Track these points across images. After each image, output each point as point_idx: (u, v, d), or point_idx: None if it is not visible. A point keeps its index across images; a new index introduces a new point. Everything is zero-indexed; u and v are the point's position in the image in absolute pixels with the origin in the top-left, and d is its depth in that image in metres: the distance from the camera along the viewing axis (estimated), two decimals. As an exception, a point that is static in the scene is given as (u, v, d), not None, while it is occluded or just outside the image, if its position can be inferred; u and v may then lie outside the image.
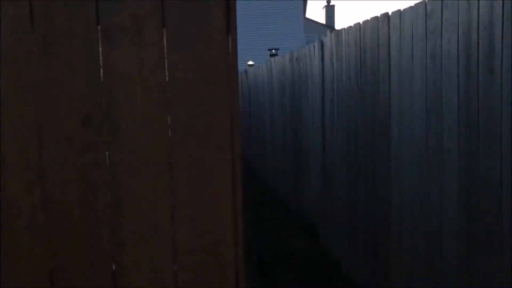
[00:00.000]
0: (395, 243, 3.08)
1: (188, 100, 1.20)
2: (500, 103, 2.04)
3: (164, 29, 1.18)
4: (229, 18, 1.20)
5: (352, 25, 3.62)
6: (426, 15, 2.57)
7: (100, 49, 1.16)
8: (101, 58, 1.17)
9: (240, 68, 10.71)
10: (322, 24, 27.00)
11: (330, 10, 28.66)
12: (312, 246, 4.84)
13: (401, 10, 2.85)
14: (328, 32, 4.22)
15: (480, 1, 2.12)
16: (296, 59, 5.27)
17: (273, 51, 9.14)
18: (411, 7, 2.73)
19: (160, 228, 1.20)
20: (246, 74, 9.14)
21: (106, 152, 1.18)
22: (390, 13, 3.00)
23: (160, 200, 1.21)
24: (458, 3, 2.28)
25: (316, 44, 4.50)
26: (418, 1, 2.66)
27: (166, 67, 1.19)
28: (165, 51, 1.19)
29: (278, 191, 6.82)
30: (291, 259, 4.55)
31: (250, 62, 10.19)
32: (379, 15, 3.15)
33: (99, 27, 1.17)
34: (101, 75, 1.18)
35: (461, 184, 2.34)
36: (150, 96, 1.19)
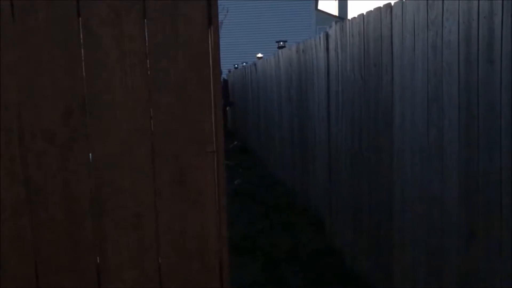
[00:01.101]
0: (398, 234, 3.05)
1: (169, 95, 1.20)
2: (499, 93, 2.00)
3: (145, 21, 1.18)
4: (210, 12, 1.19)
5: (356, 16, 3.58)
6: (427, 4, 2.53)
7: (82, 41, 1.16)
8: (82, 51, 1.17)
9: (250, 60, 10.68)
10: (335, 16, 26.77)
11: (343, 1, 28.39)
12: (318, 238, 4.83)
13: (403, 0, 2.81)
14: (333, 23, 4.18)
15: (480, -10, 2.08)
16: (303, 50, 5.24)
17: (281, 43, 9.07)
18: (413, -4, 2.69)
19: (142, 220, 1.21)
20: (255, 67, 9.11)
21: (88, 145, 1.19)
22: (392, 4, 2.96)
23: (142, 193, 1.21)
24: (459, -9, 2.24)
25: (322, 35, 4.46)
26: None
27: (147, 60, 1.19)
28: (146, 44, 1.18)
29: (286, 183, 6.81)
30: (296, 251, 4.55)
31: (259, 55, 10.15)
32: (382, 5, 3.11)
33: (80, 19, 1.17)
34: (83, 67, 1.18)
35: (461, 175, 2.31)
36: (131, 89, 1.19)
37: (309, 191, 5.53)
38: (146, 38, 1.19)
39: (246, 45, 16.43)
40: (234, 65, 14.00)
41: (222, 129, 1.24)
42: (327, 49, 4.31)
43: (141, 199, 1.21)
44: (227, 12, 12.88)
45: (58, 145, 1.17)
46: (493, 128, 2.06)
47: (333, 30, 4.12)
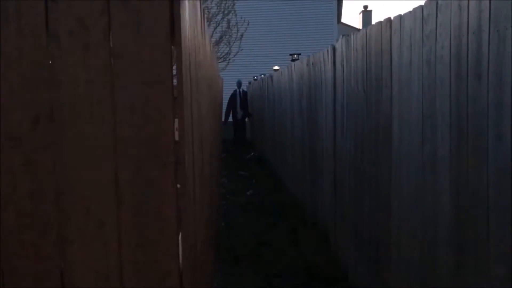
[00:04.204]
0: (395, 251, 3.02)
1: (132, 107, 1.24)
2: (487, 109, 1.98)
3: (110, 32, 1.22)
4: (173, 20, 1.23)
5: (360, 30, 3.58)
6: (422, 19, 2.53)
7: (47, 48, 1.21)
8: (48, 57, 1.22)
9: (270, 73, 10.73)
10: (359, 29, 26.70)
11: (367, 15, 28.30)
12: (323, 251, 4.80)
13: (401, 14, 2.81)
14: (340, 37, 4.19)
15: (470, 5, 2.07)
16: (312, 63, 5.26)
17: (295, 56, 9.09)
18: (410, 11, 2.69)
19: (106, 226, 1.24)
20: (271, 79, 9.16)
21: (52, 151, 1.23)
22: (392, 18, 2.96)
23: (105, 197, 1.24)
24: (451, 7, 2.23)
25: (329, 49, 4.47)
26: (417, 5, 2.62)
27: (111, 69, 1.23)
28: (111, 53, 1.22)
29: (297, 195, 6.80)
30: (300, 264, 4.53)
31: (276, 67, 10.19)
32: (382, 20, 3.12)
33: (48, 30, 1.22)
34: (48, 74, 1.23)
35: (453, 192, 2.28)
36: (96, 100, 1.23)
37: (317, 203, 5.50)
38: (111, 50, 1.23)
39: (266, 57, 16.50)
40: (254, 77, 14.09)
41: (188, 141, 1.27)
42: (334, 62, 4.32)
43: (104, 208, 1.24)
44: (248, 24, 12.98)
45: (24, 152, 1.22)
46: (481, 145, 2.03)
47: (340, 44, 4.13)
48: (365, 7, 28.28)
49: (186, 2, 1.48)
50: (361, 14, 28.15)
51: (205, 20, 2.97)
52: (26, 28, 1.21)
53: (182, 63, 1.26)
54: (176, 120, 1.27)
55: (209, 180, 3.21)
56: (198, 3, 2.26)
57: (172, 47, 1.24)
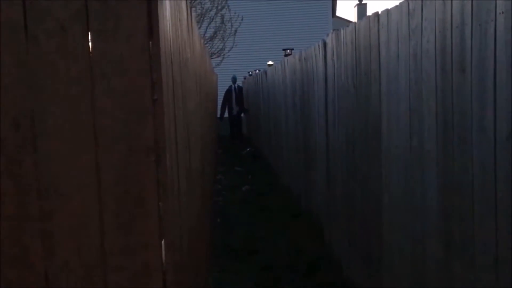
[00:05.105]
0: (386, 245, 3.04)
1: (112, 107, 1.25)
2: (470, 102, 2.00)
3: (88, 32, 1.23)
4: (151, 21, 1.24)
5: (349, 25, 3.59)
6: (408, 14, 2.54)
7: (28, 53, 1.22)
8: (27, 58, 1.23)
9: (264, 68, 10.73)
10: (354, 23, 26.63)
11: (362, 8, 28.22)
12: (318, 246, 4.83)
13: (389, 9, 2.82)
14: (331, 31, 4.20)
15: (453, 0, 2.09)
16: (304, 59, 5.27)
17: (288, 51, 9.09)
18: (396, 6, 2.70)
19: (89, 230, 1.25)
20: (265, 74, 9.16)
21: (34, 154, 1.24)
22: (379, 12, 2.97)
23: (87, 197, 1.26)
24: (435, 1, 2.24)
25: (320, 43, 4.48)
26: (402, 0, 2.63)
27: (90, 69, 1.24)
28: (90, 56, 1.23)
29: (292, 190, 6.83)
30: (295, 258, 4.55)
31: (270, 62, 10.19)
32: (371, 14, 3.13)
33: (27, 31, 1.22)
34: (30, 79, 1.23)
35: (439, 186, 2.30)
36: (75, 100, 1.25)
37: (312, 198, 5.53)
38: (90, 50, 1.24)
39: (261, 52, 16.48)
40: (249, 72, 14.09)
41: (170, 138, 1.28)
42: (325, 57, 4.33)
43: (87, 207, 1.26)
44: (242, 19, 12.97)
45: (7, 154, 1.23)
46: (466, 138, 2.05)
47: (330, 38, 4.14)
48: (360, 0, 28.22)
49: (167, 2, 1.49)
50: (356, 7, 28.09)
51: (193, 17, 2.97)
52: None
53: (160, 62, 1.27)
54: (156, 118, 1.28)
55: (201, 177, 3.23)
56: (183, 1, 2.27)
57: (151, 46, 1.25)
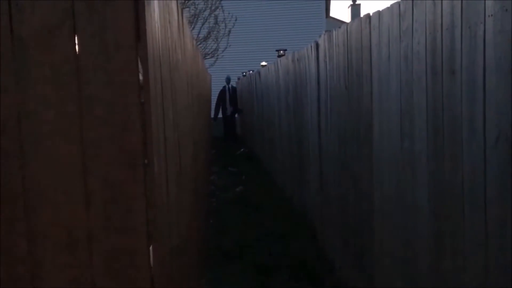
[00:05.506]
0: (378, 245, 3.05)
1: (99, 110, 1.24)
2: (461, 104, 2.00)
3: (75, 34, 1.22)
4: (138, 25, 1.23)
5: (341, 26, 3.60)
6: (399, 15, 2.54)
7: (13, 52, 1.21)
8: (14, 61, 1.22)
9: (257, 68, 10.72)
10: (346, 24, 26.67)
11: (355, 9, 28.30)
12: (311, 247, 4.83)
13: (380, 10, 2.82)
14: (323, 32, 4.20)
15: (443, 1, 2.09)
16: (297, 60, 5.27)
17: (281, 51, 9.08)
18: (387, 7, 2.71)
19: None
20: (259, 75, 9.16)
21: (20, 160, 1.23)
22: (371, 14, 2.97)
23: (73, 204, 1.25)
24: (425, 3, 2.25)
25: (313, 44, 4.48)
26: (395, 1, 2.63)
27: (77, 72, 1.23)
28: (77, 60, 1.22)
29: (286, 191, 6.82)
30: (288, 260, 4.55)
31: (263, 63, 10.18)
32: (362, 16, 3.13)
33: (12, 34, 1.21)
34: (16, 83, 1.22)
35: (430, 188, 2.30)
36: (63, 102, 1.23)
37: (305, 199, 5.53)
38: (77, 54, 1.23)
39: (255, 53, 16.48)
40: (243, 72, 14.08)
41: (157, 143, 1.27)
42: (317, 58, 4.33)
43: (74, 214, 1.25)
44: (236, 20, 12.95)
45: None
46: (456, 140, 2.05)
47: (322, 40, 4.14)
48: (354, 1, 28.28)
49: (155, 3, 1.48)
50: (350, 8, 28.15)
51: (184, 18, 2.96)
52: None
53: (148, 64, 1.26)
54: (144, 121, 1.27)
55: (193, 178, 3.21)
56: (174, 2, 2.26)
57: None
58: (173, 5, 2.22)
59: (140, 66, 1.27)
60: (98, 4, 1.22)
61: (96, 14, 1.22)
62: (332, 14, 25.00)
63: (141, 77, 1.28)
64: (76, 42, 1.24)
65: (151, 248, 1.28)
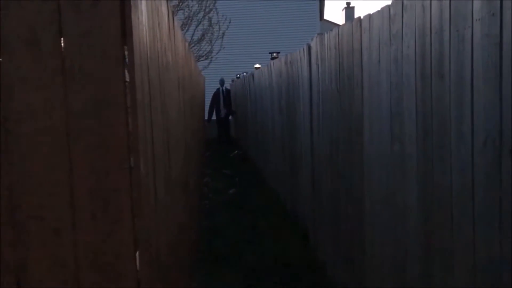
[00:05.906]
0: (369, 249, 3.05)
1: (86, 110, 1.23)
2: (449, 108, 2.01)
3: (61, 37, 1.22)
4: (124, 25, 1.23)
5: (332, 29, 3.61)
6: (390, 19, 2.55)
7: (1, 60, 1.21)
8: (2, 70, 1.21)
9: (251, 70, 10.72)
10: (338, 27, 26.73)
11: (349, 11, 28.40)
12: (303, 249, 4.83)
13: (371, 14, 2.84)
14: (315, 35, 4.21)
15: (432, 5, 2.10)
16: (290, 62, 5.28)
17: (274, 54, 9.09)
18: (378, 11, 2.72)
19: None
20: (253, 77, 9.16)
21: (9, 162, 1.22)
22: (362, 17, 2.99)
23: (60, 206, 1.24)
24: (415, 6, 2.26)
25: (305, 47, 4.49)
26: (385, 5, 2.64)
27: (63, 75, 1.22)
28: (63, 59, 1.22)
29: (279, 193, 6.83)
30: (280, 262, 4.55)
31: (257, 65, 10.18)
32: (354, 19, 3.14)
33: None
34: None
35: (420, 190, 2.31)
36: (50, 105, 1.23)
37: (297, 202, 5.53)
38: (64, 56, 1.22)
39: (249, 55, 16.48)
40: (237, 74, 14.08)
41: (144, 146, 1.27)
42: (310, 61, 4.34)
43: (60, 215, 1.24)
44: (230, 22, 12.96)
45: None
46: (445, 143, 2.06)
47: (314, 42, 4.15)
48: (348, 3, 28.36)
49: (143, 4, 1.48)
50: (344, 10, 28.24)
51: (175, 21, 2.95)
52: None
53: (134, 67, 1.26)
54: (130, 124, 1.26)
55: (185, 180, 3.21)
56: (164, 4, 2.26)
57: (126, 51, 1.24)
58: (164, 7, 2.22)
59: (126, 69, 1.26)
60: (84, 6, 1.22)
61: (82, 17, 1.22)
62: (326, 16, 25.10)
63: (127, 79, 1.27)
64: (62, 45, 1.23)
65: (137, 254, 1.28)
